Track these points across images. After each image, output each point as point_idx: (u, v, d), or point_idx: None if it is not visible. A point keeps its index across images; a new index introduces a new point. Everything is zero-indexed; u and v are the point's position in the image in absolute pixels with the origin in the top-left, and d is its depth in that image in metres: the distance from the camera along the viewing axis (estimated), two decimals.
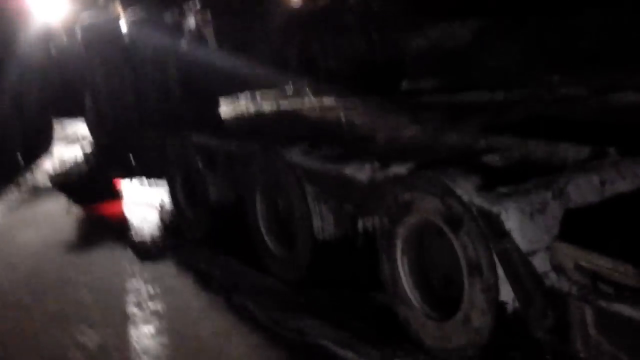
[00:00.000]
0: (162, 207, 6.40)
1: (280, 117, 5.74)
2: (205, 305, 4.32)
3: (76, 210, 7.04)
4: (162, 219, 6.32)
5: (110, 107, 6.83)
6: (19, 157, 9.26)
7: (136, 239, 5.91)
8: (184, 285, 4.71)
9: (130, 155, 6.51)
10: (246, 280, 4.61)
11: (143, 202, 6.92)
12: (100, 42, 6.72)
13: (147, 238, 5.90)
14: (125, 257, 5.46)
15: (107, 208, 6.97)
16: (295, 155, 4.20)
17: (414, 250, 3.40)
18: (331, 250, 4.06)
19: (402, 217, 3.36)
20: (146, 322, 4.16)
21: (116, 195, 7.12)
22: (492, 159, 3.41)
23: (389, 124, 4.88)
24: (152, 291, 4.65)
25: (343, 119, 5.28)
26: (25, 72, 8.48)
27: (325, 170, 3.90)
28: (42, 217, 7.22)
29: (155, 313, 4.29)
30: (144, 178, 6.69)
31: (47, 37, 8.06)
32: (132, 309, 4.38)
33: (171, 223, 6.09)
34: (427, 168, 3.39)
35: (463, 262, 3.02)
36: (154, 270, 5.06)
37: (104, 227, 6.49)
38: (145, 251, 5.53)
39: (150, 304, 4.44)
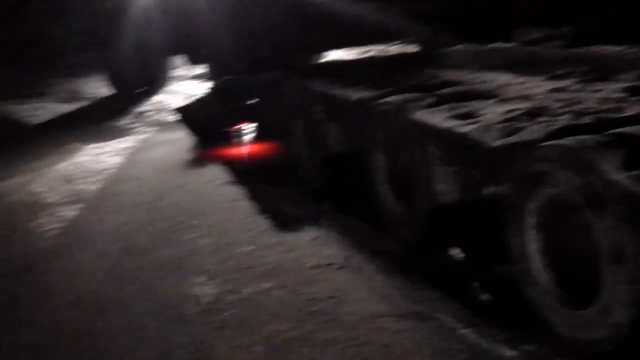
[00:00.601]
0: (283, 153, 6.30)
1: (406, 69, 5.37)
2: (324, 264, 4.16)
3: (197, 150, 7.09)
4: (282, 165, 6.23)
5: (225, 53, 6.95)
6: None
7: (253, 186, 5.83)
8: (299, 240, 4.57)
9: (248, 100, 6.42)
10: (363, 239, 4.43)
11: (263, 146, 6.89)
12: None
13: (266, 186, 5.82)
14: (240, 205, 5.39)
15: (228, 150, 6.97)
16: (419, 112, 3.91)
17: (547, 226, 3.07)
18: (453, 215, 3.78)
19: (534, 190, 3.04)
20: (261, 277, 4.08)
21: (238, 138, 7.13)
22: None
23: (519, 80, 4.45)
24: (267, 242, 4.57)
25: (472, 74, 4.88)
26: (145, 17, 9.36)
27: (450, 130, 3.59)
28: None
29: (270, 267, 4.20)
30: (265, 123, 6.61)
31: None
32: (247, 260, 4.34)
33: (291, 170, 5.97)
34: (565, 135, 3.04)
35: (604, 247, 2.69)
36: (268, 220, 4.96)
37: (223, 168, 6.48)
38: (263, 200, 5.43)
39: (264, 256, 4.36)
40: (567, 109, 3.52)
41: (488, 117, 3.59)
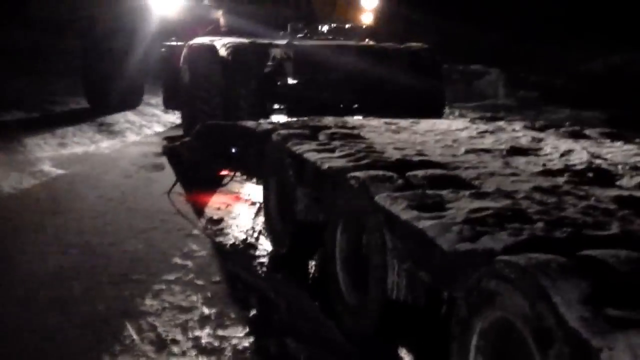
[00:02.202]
0: (257, 208, 6.01)
1: (394, 140, 5.00)
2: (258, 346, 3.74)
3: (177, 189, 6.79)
4: (252, 220, 5.91)
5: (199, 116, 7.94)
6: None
7: (217, 243, 5.47)
8: (241, 308, 4.17)
9: (231, 148, 6.08)
10: (308, 321, 4.01)
11: (243, 196, 6.61)
12: (199, 59, 8.36)
13: (231, 236, 5.47)
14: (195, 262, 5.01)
15: (205, 196, 6.64)
16: (381, 194, 3.51)
17: (490, 352, 2.64)
18: (402, 313, 3.38)
19: (482, 308, 2.62)
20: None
21: (218, 184, 6.84)
22: (617, 256, 2.56)
23: (508, 170, 4.05)
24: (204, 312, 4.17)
25: (463, 155, 4.48)
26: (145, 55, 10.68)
27: (406, 221, 3.18)
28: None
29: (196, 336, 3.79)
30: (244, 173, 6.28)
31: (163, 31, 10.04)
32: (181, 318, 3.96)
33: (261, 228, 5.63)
34: (526, 249, 2.63)
35: None
36: (214, 287, 4.57)
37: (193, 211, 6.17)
38: (221, 260, 5.06)
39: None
40: (544, 216, 3.12)
41: (454, 213, 3.18)
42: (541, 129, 5.78)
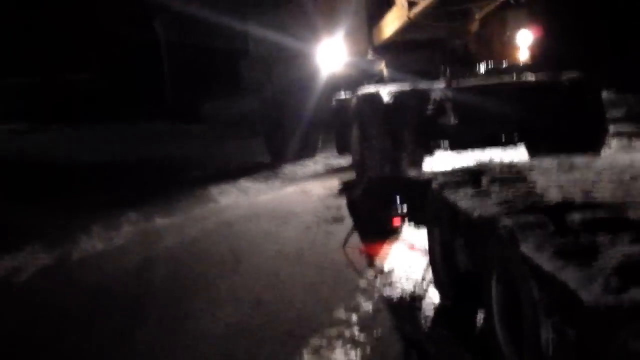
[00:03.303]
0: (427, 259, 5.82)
1: (551, 178, 4.65)
2: None
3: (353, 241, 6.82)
4: (424, 271, 5.74)
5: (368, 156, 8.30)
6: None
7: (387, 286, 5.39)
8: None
9: (397, 199, 6.00)
10: None
11: (418, 245, 6.47)
12: (366, 106, 8.72)
13: (399, 288, 5.37)
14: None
15: (380, 245, 6.59)
16: (530, 244, 3.23)
17: None
18: None
19: None
20: None
21: (391, 233, 6.76)
22: None
23: None
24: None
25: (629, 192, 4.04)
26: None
27: (549, 272, 2.89)
28: None
29: None
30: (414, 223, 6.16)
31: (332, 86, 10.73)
32: None
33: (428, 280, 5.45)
34: None
35: None
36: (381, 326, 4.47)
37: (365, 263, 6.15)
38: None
39: None
40: None
41: (605, 260, 2.84)
42: None
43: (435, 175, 5.27)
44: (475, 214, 3.96)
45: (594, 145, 8.97)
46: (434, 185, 4.95)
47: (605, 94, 14.88)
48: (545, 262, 2.99)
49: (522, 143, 9.64)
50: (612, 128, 12.28)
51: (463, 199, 4.34)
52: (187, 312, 5.31)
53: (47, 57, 28.40)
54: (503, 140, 9.36)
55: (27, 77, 29.27)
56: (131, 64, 27.29)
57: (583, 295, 2.58)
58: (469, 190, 4.52)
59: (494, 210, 3.87)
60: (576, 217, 3.48)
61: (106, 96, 27.00)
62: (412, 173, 5.90)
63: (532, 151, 9.96)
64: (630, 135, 12.18)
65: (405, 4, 9.70)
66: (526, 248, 3.19)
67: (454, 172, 5.26)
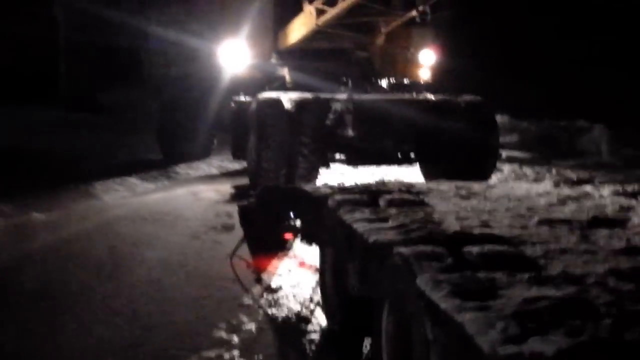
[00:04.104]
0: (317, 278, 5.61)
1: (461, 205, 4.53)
2: None
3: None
4: (312, 290, 5.51)
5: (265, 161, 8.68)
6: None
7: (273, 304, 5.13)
8: None
9: (291, 212, 5.74)
10: None
11: (309, 262, 6.24)
12: (266, 112, 8.81)
13: (285, 308, 5.11)
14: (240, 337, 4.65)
15: (269, 259, 6.30)
16: (425, 275, 3.04)
17: None
18: None
19: None
20: None
21: (282, 247, 6.48)
22: None
23: (583, 246, 3.49)
24: None
25: (535, 227, 3.94)
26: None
27: (446, 311, 2.70)
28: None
29: None
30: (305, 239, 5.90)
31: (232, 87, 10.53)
32: None
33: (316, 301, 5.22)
34: (585, 354, 2.13)
35: None
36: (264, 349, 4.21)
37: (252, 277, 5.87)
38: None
39: None
40: (615, 309, 2.58)
41: (504, 302, 2.68)
42: (634, 195, 5.13)
43: (332, 190, 5.06)
44: (371, 238, 3.75)
45: (486, 167, 9.18)
46: (330, 202, 4.72)
47: (499, 119, 15.29)
48: (442, 299, 2.80)
49: (417, 162, 9.72)
50: (504, 153, 12.60)
51: (359, 221, 4.13)
52: (54, 323, 4.85)
53: None
54: (400, 157, 9.42)
55: None
56: (28, 53, 25.98)
57: (482, 342, 2.40)
58: (366, 212, 4.33)
59: (390, 237, 3.68)
60: (475, 250, 3.33)
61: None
62: (306, 186, 5.66)
63: (427, 170, 10.05)
64: (521, 162, 12.49)
65: (314, 12, 9.54)
66: (422, 282, 3.00)
67: (351, 190, 5.07)
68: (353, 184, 5.61)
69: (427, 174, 9.97)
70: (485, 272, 3.02)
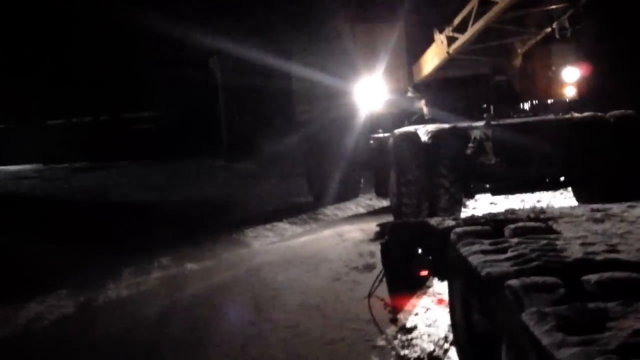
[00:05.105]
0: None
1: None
2: None
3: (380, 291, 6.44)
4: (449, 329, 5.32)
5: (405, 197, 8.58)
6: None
7: (407, 345, 5.01)
8: None
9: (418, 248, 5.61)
10: None
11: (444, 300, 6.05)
12: (403, 146, 8.68)
13: (419, 348, 4.96)
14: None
15: (407, 297, 6.18)
16: (532, 312, 2.84)
17: None
18: None
19: None
20: None
21: (419, 284, 6.33)
22: None
23: None
24: None
25: None
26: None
27: (545, 347, 2.51)
28: None
29: None
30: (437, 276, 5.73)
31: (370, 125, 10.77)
32: None
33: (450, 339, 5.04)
34: None
35: None
36: None
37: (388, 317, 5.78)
38: None
39: None
40: None
41: (611, 335, 2.45)
42: None
43: (455, 224, 4.90)
44: (484, 271, 3.58)
45: None
46: (452, 235, 4.58)
47: None
48: (545, 334, 2.61)
49: (568, 185, 9.20)
50: None
51: (476, 253, 3.96)
52: None
53: (110, 98, 29.19)
54: (548, 182, 8.96)
55: (91, 117, 30.17)
56: (190, 104, 27.72)
57: None
58: (485, 243, 4.14)
59: (504, 269, 3.49)
60: (593, 278, 3.08)
61: (166, 135, 27.48)
62: (432, 219, 5.51)
63: (579, 194, 9.48)
64: None
65: (445, 40, 9.41)
66: (527, 316, 2.81)
67: (476, 221, 4.88)
68: (481, 214, 5.40)
69: (580, 197, 9.42)
70: (597, 302, 2.79)
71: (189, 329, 6.08)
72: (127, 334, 6.08)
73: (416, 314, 5.84)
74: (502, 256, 3.77)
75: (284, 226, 10.72)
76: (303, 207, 12.28)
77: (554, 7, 8.60)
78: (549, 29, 8.99)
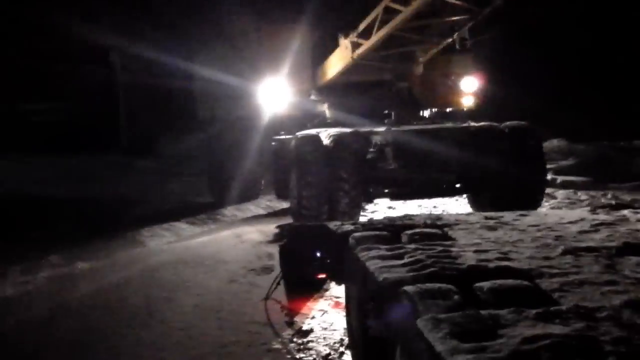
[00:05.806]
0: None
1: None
2: None
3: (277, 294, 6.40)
4: (345, 332, 5.33)
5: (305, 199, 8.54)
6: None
7: (302, 348, 4.98)
8: None
9: (317, 251, 5.61)
10: None
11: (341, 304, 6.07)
12: (306, 149, 8.72)
13: (314, 352, 4.94)
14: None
15: (304, 300, 6.17)
16: (427, 318, 2.86)
17: None
18: None
19: None
20: None
21: (317, 287, 6.34)
22: None
23: None
24: None
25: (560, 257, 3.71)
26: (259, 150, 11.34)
27: (440, 354, 2.52)
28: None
29: None
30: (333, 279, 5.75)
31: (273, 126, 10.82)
32: None
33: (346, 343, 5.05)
34: None
35: None
36: None
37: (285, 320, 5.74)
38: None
39: None
40: (622, 347, 2.37)
41: (503, 342, 2.49)
42: None
43: (355, 227, 4.92)
44: (381, 277, 3.59)
45: (534, 194, 8.85)
46: (350, 240, 4.59)
47: (555, 142, 14.90)
48: (439, 341, 2.63)
49: (464, 192, 9.46)
50: (560, 178, 12.19)
51: (373, 258, 3.97)
52: None
53: (6, 88, 27.87)
54: (445, 189, 9.18)
55: None
56: (90, 98, 26.85)
57: None
58: (383, 249, 4.17)
59: (400, 275, 3.52)
60: (486, 285, 3.14)
61: (64, 128, 26.47)
62: (331, 223, 5.52)
63: (474, 201, 9.77)
64: (577, 187, 12.05)
65: (350, 45, 9.49)
66: (422, 322, 2.82)
67: (374, 226, 4.91)
68: (380, 219, 5.45)
69: (474, 204, 9.70)
70: (490, 310, 2.84)
71: (78, 331, 5.84)
72: (10, 336, 5.77)
73: (313, 317, 5.83)
74: (399, 262, 3.80)
75: (181, 226, 10.52)
76: (202, 207, 12.10)
77: (455, 18, 8.81)
78: (450, 39, 9.22)
